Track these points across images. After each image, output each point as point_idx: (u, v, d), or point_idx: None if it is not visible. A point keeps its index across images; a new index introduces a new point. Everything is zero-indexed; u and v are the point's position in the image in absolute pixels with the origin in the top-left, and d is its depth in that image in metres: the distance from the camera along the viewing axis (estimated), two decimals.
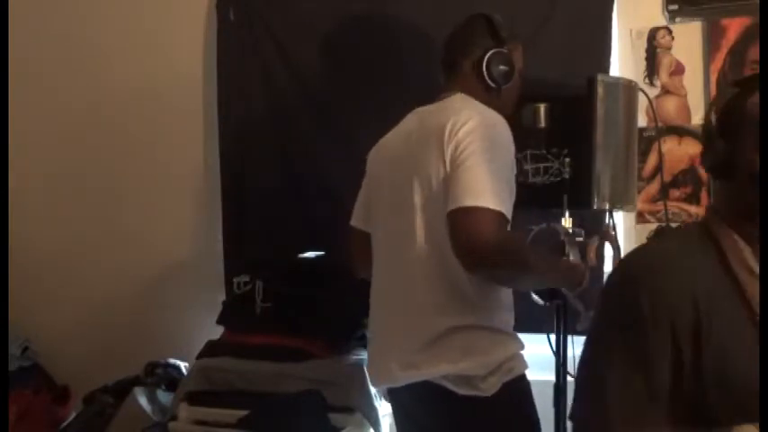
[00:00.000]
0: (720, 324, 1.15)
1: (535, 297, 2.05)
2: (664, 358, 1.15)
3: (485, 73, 1.90)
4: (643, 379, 1.16)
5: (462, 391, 1.75)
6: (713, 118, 1.25)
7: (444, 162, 1.75)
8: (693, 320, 1.15)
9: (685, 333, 1.15)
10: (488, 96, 1.91)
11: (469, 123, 1.76)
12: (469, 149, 1.72)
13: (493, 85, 1.91)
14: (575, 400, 1.28)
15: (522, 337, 1.86)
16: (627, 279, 1.23)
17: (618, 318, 1.22)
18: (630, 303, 1.19)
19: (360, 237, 2.05)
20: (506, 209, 1.71)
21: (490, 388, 1.74)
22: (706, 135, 1.27)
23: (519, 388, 1.78)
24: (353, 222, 2.08)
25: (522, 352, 1.83)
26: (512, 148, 1.80)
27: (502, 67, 1.91)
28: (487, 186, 1.69)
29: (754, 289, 1.16)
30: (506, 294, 1.86)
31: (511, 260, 1.70)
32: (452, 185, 1.72)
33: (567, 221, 2.10)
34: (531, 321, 2.02)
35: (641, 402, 1.16)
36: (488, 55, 1.90)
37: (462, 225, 1.68)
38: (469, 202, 1.67)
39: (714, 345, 1.14)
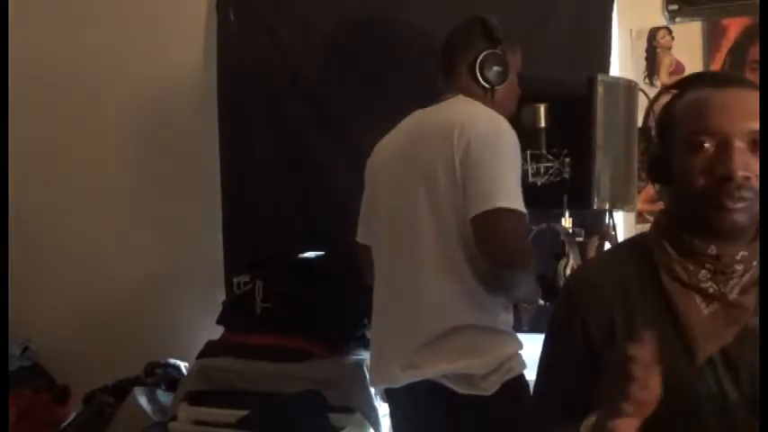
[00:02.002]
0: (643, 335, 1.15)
1: None
2: (582, 371, 1.16)
3: (478, 74, 1.90)
4: (566, 384, 1.20)
5: (462, 389, 1.76)
6: (651, 122, 1.26)
7: (454, 164, 1.76)
8: (610, 334, 1.16)
9: (603, 344, 1.16)
10: (484, 98, 1.92)
11: (479, 126, 1.77)
12: (486, 152, 1.74)
13: (486, 85, 1.91)
14: None
15: (520, 336, 1.86)
16: (563, 293, 1.28)
17: (551, 325, 1.27)
18: (561, 316, 1.24)
19: (367, 251, 2.05)
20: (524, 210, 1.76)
21: (490, 387, 1.75)
22: (644, 139, 1.28)
23: (518, 387, 1.79)
24: (359, 238, 2.08)
25: (520, 352, 1.84)
26: (519, 148, 1.81)
27: (495, 68, 1.92)
28: (511, 188, 1.73)
29: (683, 301, 1.15)
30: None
31: (527, 266, 1.76)
32: (475, 187, 1.74)
33: (567, 221, 2.10)
34: (530, 321, 2.02)
35: (555, 404, 1.21)
36: (481, 56, 1.91)
37: (497, 225, 1.71)
38: (501, 203, 1.71)
39: None
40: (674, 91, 1.24)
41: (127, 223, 3.18)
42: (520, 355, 1.83)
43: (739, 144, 1.12)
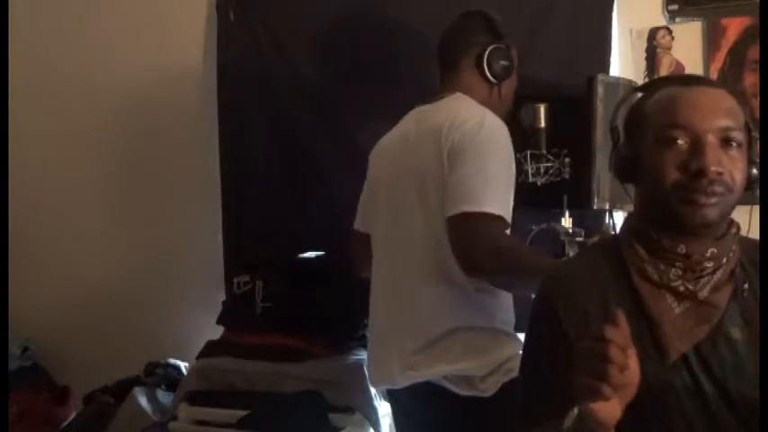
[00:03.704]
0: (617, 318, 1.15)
1: None
2: (560, 371, 1.15)
3: (486, 69, 1.89)
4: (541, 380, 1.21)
5: (462, 391, 1.76)
6: (617, 122, 1.27)
7: (442, 163, 1.75)
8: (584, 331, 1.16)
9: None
10: (489, 93, 1.91)
11: (467, 125, 1.75)
12: (468, 151, 1.72)
13: (494, 80, 1.90)
14: None
15: (522, 337, 1.86)
16: (538, 293, 1.28)
17: (529, 326, 1.28)
18: (537, 317, 1.25)
19: (362, 239, 2.05)
20: (506, 212, 1.70)
21: (489, 388, 1.75)
22: (612, 139, 1.28)
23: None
24: (356, 225, 2.08)
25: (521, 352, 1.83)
26: (510, 148, 1.79)
27: (502, 62, 1.91)
28: (487, 190, 1.68)
29: (655, 301, 1.16)
30: (506, 295, 1.85)
31: (510, 267, 1.68)
32: (451, 189, 1.71)
33: (567, 221, 2.10)
34: None
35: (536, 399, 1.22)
36: (489, 50, 1.90)
37: (462, 231, 1.67)
38: (469, 207, 1.67)
39: None
40: (641, 94, 1.26)
41: (127, 223, 3.18)
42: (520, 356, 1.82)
43: (711, 140, 1.14)
